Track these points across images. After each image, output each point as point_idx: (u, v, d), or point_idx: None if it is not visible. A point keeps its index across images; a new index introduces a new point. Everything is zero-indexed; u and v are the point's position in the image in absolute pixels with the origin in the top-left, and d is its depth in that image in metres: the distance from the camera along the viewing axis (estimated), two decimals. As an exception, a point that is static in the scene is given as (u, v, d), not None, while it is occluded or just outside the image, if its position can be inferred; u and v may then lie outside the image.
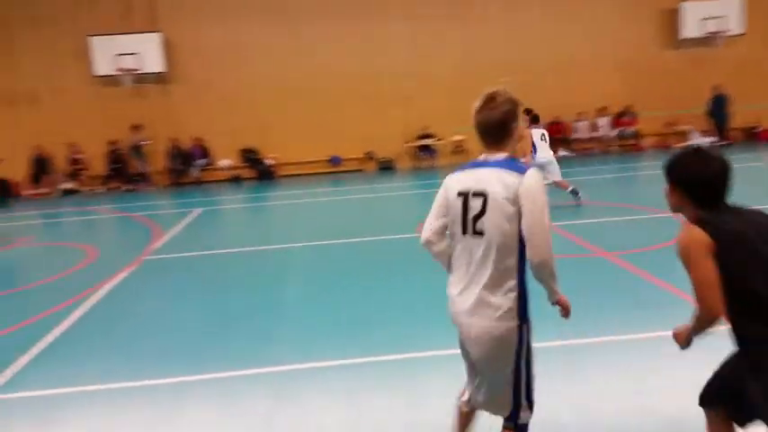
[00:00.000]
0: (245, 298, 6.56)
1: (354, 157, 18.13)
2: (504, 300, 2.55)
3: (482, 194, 2.53)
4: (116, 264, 8.09)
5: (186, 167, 17.31)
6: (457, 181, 2.67)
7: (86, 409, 4.31)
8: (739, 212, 2.33)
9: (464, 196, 2.60)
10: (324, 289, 6.70)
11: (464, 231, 2.61)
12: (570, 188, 10.12)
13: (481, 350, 2.62)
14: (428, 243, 2.78)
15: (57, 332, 5.74)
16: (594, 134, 18.72)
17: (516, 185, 2.47)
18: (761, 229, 2.27)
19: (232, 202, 14.61)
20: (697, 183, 2.32)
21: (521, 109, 2.63)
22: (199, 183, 17.30)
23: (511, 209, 2.47)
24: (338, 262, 7.91)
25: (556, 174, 10.09)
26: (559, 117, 18.28)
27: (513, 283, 2.55)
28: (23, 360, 5.10)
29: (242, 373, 4.61)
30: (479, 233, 2.55)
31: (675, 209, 2.45)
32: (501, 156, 2.59)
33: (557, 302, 2.66)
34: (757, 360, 2.29)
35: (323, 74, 17.41)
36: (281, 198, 14.51)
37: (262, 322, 5.72)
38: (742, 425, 2.50)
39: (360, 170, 18.12)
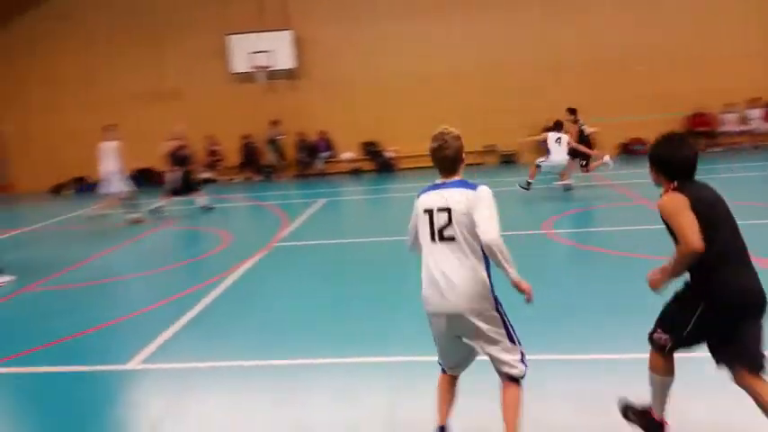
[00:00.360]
0: (364, 286, 6.75)
1: (474, 150, 17.95)
2: (474, 278, 3.13)
3: (446, 209, 3.15)
4: (249, 249, 8.63)
5: (312, 160, 18.05)
6: (423, 201, 3.30)
7: (216, 383, 4.67)
8: (698, 185, 3.11)
9: (429, 213, 3.21)
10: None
11: (432, 238, 3.20)
12: (566, 182, 12.01)
13: (466, 320, 3.15)
14: (411, 249, 3.48)
15: (195, 310, 6.26)
16: (744, 127, 17.11)
17: (472, 197, 3.12)
18: (710, 195, 3.08)
19: (353, 194, 15.04)
20: (674, 164, 3.10)
21: (463, 141, 3.28)
22: (322, 174, 17.98)
23: (470, 217, 3.09)
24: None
25: (568, 173, 11.99)
26: (704, 108, 16.91)
27: (477, 267, 3.13)
28: (166, 334, 5.62)
29: (361, 360, 4.77)
30: (447, 239, 3.14)
31: (656, 184, 3.21)
32: (456, 178, 3.27)
33: (515, 286, 3.09)
34: (698, 286, 3.06)
35: (443, 65, 17.42)
36: (399, 191, 14.71)
37: (380, 311, 5.86)
38: (688, 346, 3.16)
39: (480, 164, 17.92)
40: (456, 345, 3.25)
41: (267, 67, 17.52)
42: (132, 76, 18.33)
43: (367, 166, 18.24)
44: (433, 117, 18.60)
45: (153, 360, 5.08)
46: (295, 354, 4.99)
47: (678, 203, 2.97)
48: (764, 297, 3.00)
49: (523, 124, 16.94)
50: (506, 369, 3.21)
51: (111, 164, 11.34)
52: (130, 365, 4.99)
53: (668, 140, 3.16)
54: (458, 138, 3.28)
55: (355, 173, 18.06)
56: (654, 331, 3.22)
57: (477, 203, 3.10)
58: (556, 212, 10.32)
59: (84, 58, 18.33)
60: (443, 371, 3.40)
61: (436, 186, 3.30)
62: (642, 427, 3.32)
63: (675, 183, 3.07)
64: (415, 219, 3.37)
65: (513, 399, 3.18)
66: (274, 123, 17.73)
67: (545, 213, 10.17)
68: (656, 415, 3.28)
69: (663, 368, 3.21)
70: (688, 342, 3.13)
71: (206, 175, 17.90)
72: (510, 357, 3.20)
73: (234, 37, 17.48)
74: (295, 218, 11.14)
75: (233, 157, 18.33)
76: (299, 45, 17.69)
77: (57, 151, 18.33)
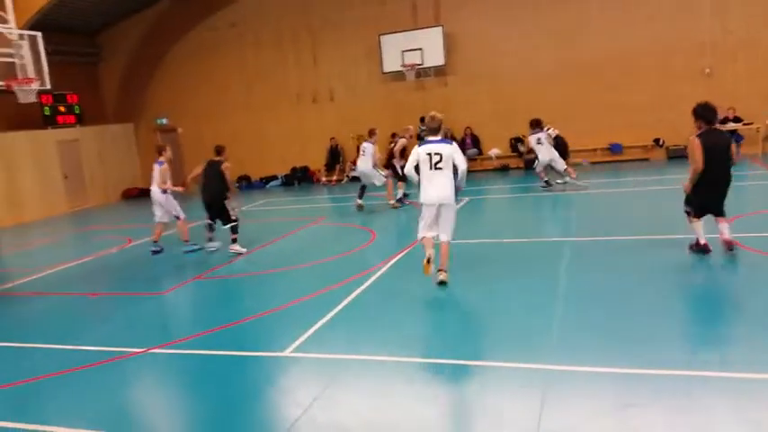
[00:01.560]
0: (515, 287, 6.65)
1: (639, 144, 16.86)
2: (451, 187, 6.70)
3: (439, 153, 6.64)
4: (395, 245, 8.89)
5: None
6: (423, 149, 6.71)
7: (364, 376, 4.89)
8: (715, 132, 6.86)
9: (429, 155, 6.66)
10: (591, 289, 6.43)
11: (430, 168, 6.68)
12: (544, 179, 13.31)
13: (444, 207, 6.76)
14: (409, 172, 6.92)
15: (345, 303, 6.61)
16: None
17: (452, 148, 6.75)
18: (719, 142, 6.79)
19: (498, 192, 14.78)
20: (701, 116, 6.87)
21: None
22: (467, 172, 17.89)
23: (450, 159, 6.66)
24: (610, 260, 7.49)
25: (559, 168, 13.14)
26: None
27: (452, 183, 6.73)
28: (318, 324, 6.00)
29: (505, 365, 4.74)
30: (439, 168, 6.66)
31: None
32: (440, 137, 6.80)
33: (457, 188, 6.81)
34: (699, 187, 6.91)
35: (600, 54, 16.53)
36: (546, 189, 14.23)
37: (522, 312, 5.76)
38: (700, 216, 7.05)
39: (645, 159, 16.78)
40: (434, 220, 6.82)
41: (417, 65, 17.79)
42: (291, 78, 19.56)
43: (514, 162, 17.87)
44: (592, 109, 17.68)
45: (305, 349, 5.45)
46: (419, 353, 5.07)
47: (695, 144, 6.77)
48: (712, 208, 7.00)
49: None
50: (444, 237, 6.83)
51: (367, 161, 12.71)
52: (285, 353, 5.39)
53: (704, 104, 6.86)
54: (440, 118, 6.81)
55: (502, 170, 17.77)
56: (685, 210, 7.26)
57: (454, 151, 6.74)
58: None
59: (248, 62, 19.87)
60: (423, 238, 6.92)
61: (429, 142, 6.80)
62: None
63: (702, 128, 6.84)
64: (416, 158, 6.75)
65: (447, 250, 6.85)
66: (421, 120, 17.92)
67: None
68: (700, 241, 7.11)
69: (696, 223, 7.10)
70: (699, 211, 7.06)
71: (354, 173, 18.45)
72: (450, 228, 6.85)
73: (387, 36, 17.95)
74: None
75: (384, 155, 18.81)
76: (449, 41, 17.74)
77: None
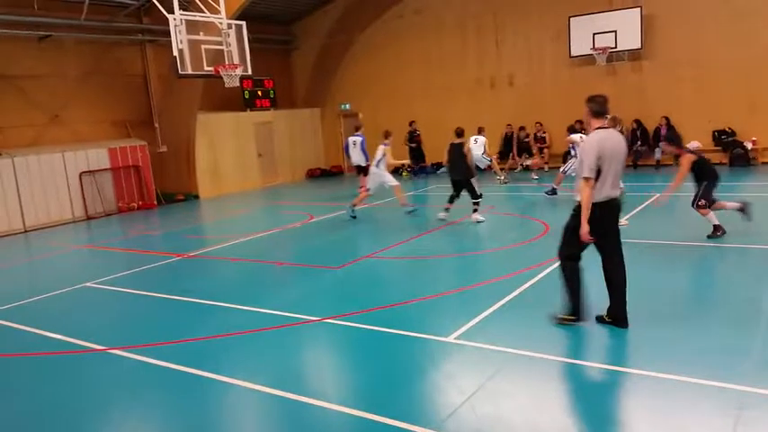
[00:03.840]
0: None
1: None
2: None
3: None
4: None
5: (649, 149, 16.55)
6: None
7: (525, 371, 4.64)
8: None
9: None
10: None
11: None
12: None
13: None
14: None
15: (512, 295, 6.37)
16: None
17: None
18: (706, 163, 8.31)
19: (690, 189, 13.22)
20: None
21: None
22: (658, 166, 16.38)
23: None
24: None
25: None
26: None
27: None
28: (485, 313, 5.84)
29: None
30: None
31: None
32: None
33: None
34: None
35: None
36: (752, 189, 12.51)
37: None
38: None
39: None
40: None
41: (609, 49, 16.56)
42: (473, 63, 19.33)
43: (717, 157, 15.95)
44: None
45: (469, 337, 5.32)
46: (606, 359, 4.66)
47: (689, 160, 8.24)
48: None
49: None
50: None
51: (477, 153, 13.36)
52: (449, 338, 5.31)
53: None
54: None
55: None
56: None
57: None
58: None
59: (430, 46, 19.98)
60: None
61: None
62: None
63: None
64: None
65: None
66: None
67: None
68: None
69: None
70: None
71: (527, 162, 17.84)
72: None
73: (577, 18, 16.95)
74: (625, 213, 10.36)
75: (560, 144, 17.90)
76: (647, 23, 16.25)
77: (397, 136, 20.37)
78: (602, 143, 5.04)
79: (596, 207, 5.07)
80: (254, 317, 6.45)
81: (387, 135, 12.39)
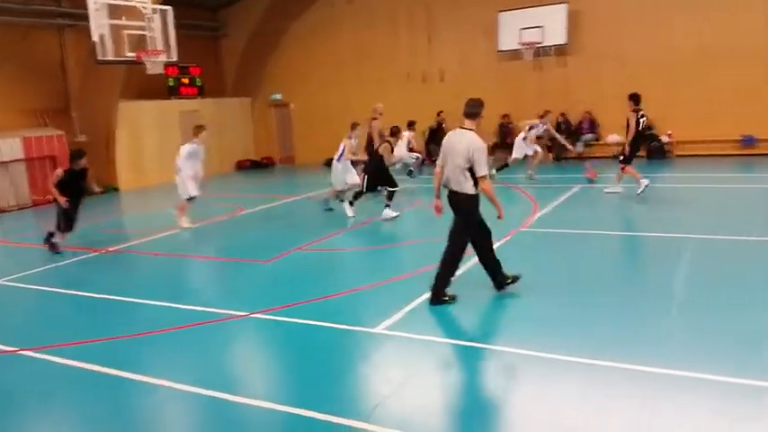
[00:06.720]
0: (608, 284, 6.19)
1: (773, 138, 15.25)
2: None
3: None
4: (496, 232, 8.50)
5: (572, 142, 17.13)
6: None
7: (456, 359, 4.68)
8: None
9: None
10: (704, 291, 5.83)
11: None
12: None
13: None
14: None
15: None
16: None
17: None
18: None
19: (611, 181, 13.79)
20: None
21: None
22: (582, 158, 16.99)
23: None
24: (733, 262, 6.78)
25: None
26: None
27: None
28: (414, 303, 5.87)
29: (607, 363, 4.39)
30: None
31: None
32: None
33: None
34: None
35: (733, 39, 15.02)
36: (668, 180, 13.19)
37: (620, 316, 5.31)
38: None
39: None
40: None
41: (536, 44, 16.98)
42: (404, 56, 19.38)
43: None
44: (725, 97, 16.17)
45: (398, 328, 5.35)
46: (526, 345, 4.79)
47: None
48: None
49: None
50: None
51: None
52: (378, 329, 5.32)
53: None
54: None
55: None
56: None
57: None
58: None
59: (362, 38, 19.88)
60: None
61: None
62: None
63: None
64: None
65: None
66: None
67: None
68: None
69: None
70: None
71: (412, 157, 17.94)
72: None
73: (505, 13, 17.27)
74: (545, 204, 10.71)
75: (488, 138, 18.23)
76: (573, 18, 16.76)
77: (330, 127, 20.28)
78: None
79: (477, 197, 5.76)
80: (178, 314, 6.23)
81: (353, 127, 11.61)
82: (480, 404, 4.07)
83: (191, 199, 10.70)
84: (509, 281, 6.05)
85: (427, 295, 5.99)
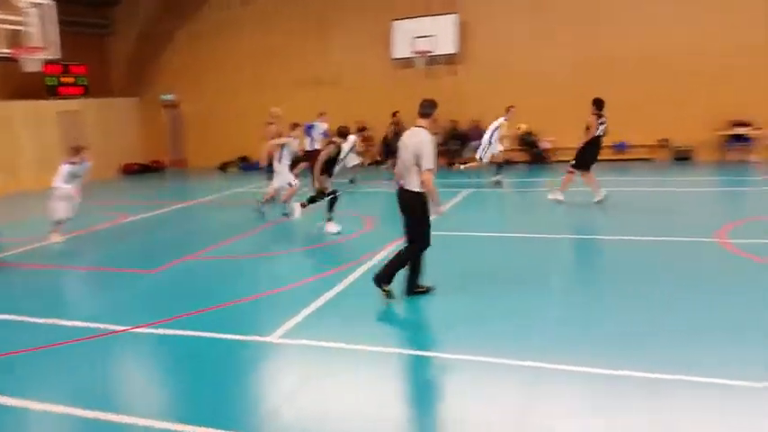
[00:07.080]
0: (503, 285, 6.49)
1: (644, 144, 16.61)
2: None
3: None
4: (387, 235, 8.65)
5: (462, 149, 17.76)
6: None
7: (352, 364, 4.73)
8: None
9: None
10: (587, 289, 6.27)
11: None
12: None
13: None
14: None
15: (334, 291, 6.46)
16: None
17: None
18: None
19: (497, 185, 14.38)
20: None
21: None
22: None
23: None
24: (609, 261, 7.33)
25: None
26: None
27: None
28: (307, 311, 5.86)
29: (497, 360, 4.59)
30: None
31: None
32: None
33: None
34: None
35: (610, 52, 16.28)
36: (550, 184, 13.99)
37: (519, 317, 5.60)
38: None
39: (649, 159, 16.55)
40: None
41: (428, 53, 17.48)
42: (299, 61, 19.25)
43: (519, 157, 17.60)
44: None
45: (293, 335, 5.31)
46: (429, 346, 4.93)
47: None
48: None
49: (704, 117, 15.42)
50: None
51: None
52: (272, 338, 5.25)
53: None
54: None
55: (506, 164, 17.44)
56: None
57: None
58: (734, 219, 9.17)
59: (258, 42, 19.57)
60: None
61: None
62: None
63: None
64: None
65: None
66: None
67: (721, 219, 9.07)
68: None
69: None
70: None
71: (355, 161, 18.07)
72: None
73: (398, 22, 17.65)
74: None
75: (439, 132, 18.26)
76: (463, 29, 17.41)
77: (225, 131, 19.84)
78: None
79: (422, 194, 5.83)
80: (52, 330, 5.80)
81: (293, 127, 11.36)
82: (379, 410, 4.11)
83: (59, 222, 9.94)
84: (421, 290, 6.14)
85: (324, 299, 6.00)
